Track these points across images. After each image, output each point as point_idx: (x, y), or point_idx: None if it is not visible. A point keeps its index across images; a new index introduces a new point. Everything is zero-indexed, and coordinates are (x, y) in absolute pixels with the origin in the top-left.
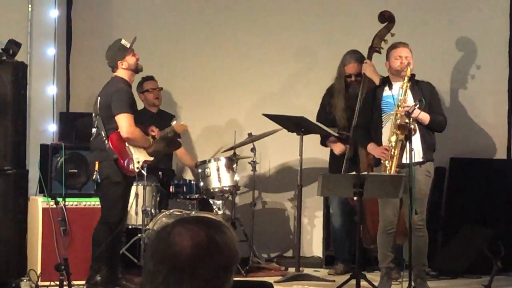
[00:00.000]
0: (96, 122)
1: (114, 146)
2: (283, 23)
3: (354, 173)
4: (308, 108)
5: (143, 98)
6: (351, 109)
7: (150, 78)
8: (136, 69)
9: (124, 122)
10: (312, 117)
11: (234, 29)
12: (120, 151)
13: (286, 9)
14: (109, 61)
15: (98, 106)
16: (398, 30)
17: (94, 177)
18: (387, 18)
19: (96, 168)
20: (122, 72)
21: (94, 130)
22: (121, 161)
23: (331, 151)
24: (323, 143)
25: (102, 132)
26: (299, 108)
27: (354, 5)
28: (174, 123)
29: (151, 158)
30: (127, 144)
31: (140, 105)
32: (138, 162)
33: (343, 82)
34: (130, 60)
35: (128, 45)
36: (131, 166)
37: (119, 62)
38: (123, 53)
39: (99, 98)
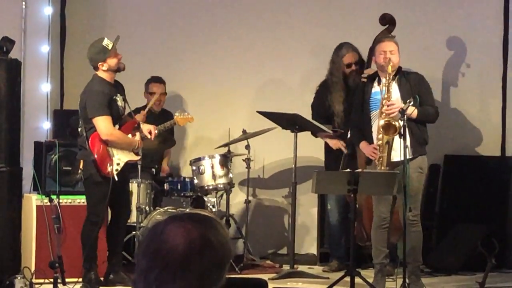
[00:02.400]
0: (80, 122)
1: (92, 146)
2: (296, 20)
3: (348, 170)
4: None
5: (147, 97)
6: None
7: (157, 80)
8: (118, 70)
9: (101, 125)
10: None
11: (240, 25)
12: (98, 152)
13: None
14: (90, 60)
15: (79, 107)
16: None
17: (78, 176)
18: (388, 21)
19: (81, 166)
20: (102, 73)
21: (79, 129)
22: (98, 162)
23: (326, 147)
24: (314, 134)
25: (84, 133)
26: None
27: (357, 5)
28: (177, 115)
29: (137, 157)
30: (108, 146)
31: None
32: (118, 164)
33: (341, 75)
34: (111, 62)
35: (110, 46)
36: (108, 168)
37: (99, 64)
38: (103, 55)
39: (80, 97)
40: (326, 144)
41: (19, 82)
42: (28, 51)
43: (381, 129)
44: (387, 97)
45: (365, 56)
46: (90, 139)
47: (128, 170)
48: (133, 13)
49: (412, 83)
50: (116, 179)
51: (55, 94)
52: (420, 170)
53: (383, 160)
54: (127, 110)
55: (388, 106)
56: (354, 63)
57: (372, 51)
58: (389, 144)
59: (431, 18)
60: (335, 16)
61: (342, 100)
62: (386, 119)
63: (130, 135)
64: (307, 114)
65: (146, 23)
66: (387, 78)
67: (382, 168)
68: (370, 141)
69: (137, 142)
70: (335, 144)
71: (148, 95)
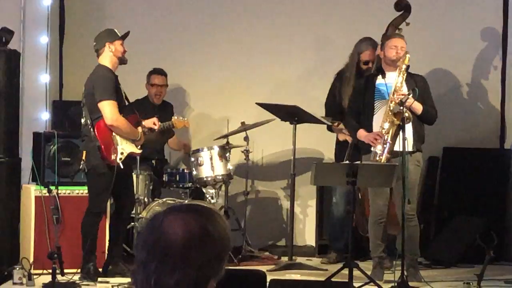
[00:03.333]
0: (83, 112)
1: (99, 133)
2: (299, 13)
3: (347, 162)
4: (318, 99)
5: (148, 88)
6: None
7: (158, 72)
8: (122, 59)
9: (108, 110)
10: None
11: (242, 17)
12: (104, 139)
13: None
14: (97, 43)
15: (83, 95)
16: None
17: (81, 167)
18: (403, 7)
19: (83, 157)
20: (106, 59)
21: (83, 120)
22: (103, 149)
23: (337, 139)
24: (329, 128)
25: (88, 121)
26: (313, 99)
27: None
28: (175, 117)
29: (139, 151)
30: (113, 134)
31: (144, 93)
32: (122, 153)
33: (354, 70)
34: (118, 46)
35: (119, 34)
36: (113, 156)
37: (108, 43)
38: (114, 36)
39: (84, 87)
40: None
41: (18, 73)
42: (27, 42)
43: (393, 116)
44: (401, 86)
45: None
46: (95, 127)
47: (131, 163)
48: (133, 5)
49: (417, 84)
50: (122, 166)
51: (54, 85)
52: (418, 163)
53: (388, 146)
54: (126, 103)
55: (399, 95)
56: (372, 61)
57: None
58: (397, 130)
59: (431, 9)
60: (339, 9)
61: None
62: (399, 108)
63: None
64: (307, 107)
65: (145, 15)
66: (403, 69)
67: (385, 155)
68: (369, 130)
69: (140, 133)
70: (342, 136)
71: (150, 86)
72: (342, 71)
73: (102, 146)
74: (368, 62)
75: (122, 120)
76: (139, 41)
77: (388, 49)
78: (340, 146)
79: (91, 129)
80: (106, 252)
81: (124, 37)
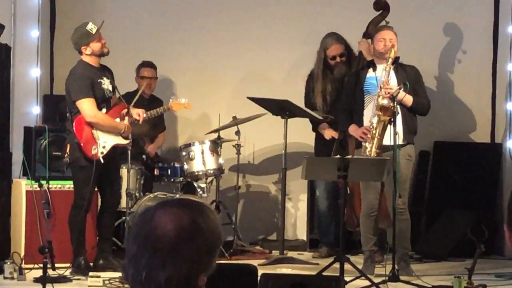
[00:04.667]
0: (67, 107)
1: (76, 130)
2: (287, 8)
3: (338, 156)
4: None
5: (138, 81)
6: (338, 91)
7: (148, 65)
8: (101, 54)
9: (85, 107)
10: None
11: (231, 11)
12: (82, 135)
13: None
14: (74, 46)
15: (65, 91)
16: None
17: (64, 160)
18: (382, 6)
19: (67, 150)
20: (86, 57)
21: (68, 114)
22: (82, 145)
23: (317, 135)
24: (314, 129)
25: (69, 116)
26: (301, 93)
27: None
28: (172, 99)
29: (126, 141)
30: (93, 129)
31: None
32: (104, 147)
33: (322, 66)
34: (94, 46)
35: (93, 31)
36: (93, 151)
37: (83, 48)
38: (87, 39)
39: (65, 83)
40: (317, 132)
41: (9, 67)
42: (17, 36)
43: (378, 110)
44: (386, 80)
45: (355, 43)
46: (74, 122)
47: (119, 155)
48: None
49: (408, 74)
50: (102, 161)
51: (44, 79)
52: (409, 157)
53: (376, 141)
54: (117, 95)
55: (385, 89)
56: (339, 55)
57: (366, 36)
58: (384, 125)
59: (424, 5)
60: (326, 4)
61: (321, 92)
62: (385, 101)
63: (118, 119)
64: (297, 101)
65: (136, 9)
66: (388, 62)
67: (373, 150)
68: (360, 125)
69: (124, 125)
70: (329, 135)
71: (139, 79)
72: (312, 70)
73: (82, 143)
74: (335, 57)
75: (101, 115)
76: (130, 35)
77: (376, 42)
78: (320, 142)
79: (72, 124)
80: (96, 247)
81: (97, 33)
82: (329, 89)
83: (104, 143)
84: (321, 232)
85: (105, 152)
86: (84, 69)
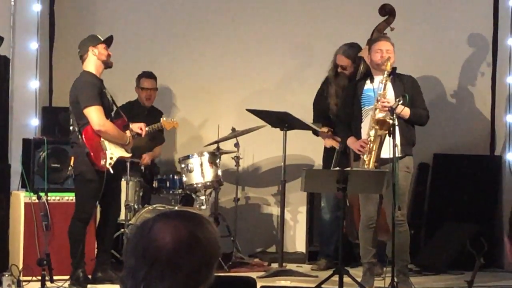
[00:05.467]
0: (71, 119)
1: (87, 139)
2: (279, 19)
3: (337, 168)
4: (304, 104)
5: (138, 92)
6: (339, 98)
7: (148, 76)
8: (106, 62)
9: (94, 115)
10: (309, 113)
11: (228, 24)
12: (92, 145)
13: (283, 3)
14: (80, 49)
15: (70, 103)
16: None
17: (69, 173)
18: (387, 12)
19: (72, 163)
20: (91, 64)
21: (71, 127)
22: (92, 155)
23: (325, 146)
24: (315, 133)
25: (76, 128)
26: (295, 104)
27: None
28: (163, 119)
29: (129, 155)
30: (102, 139)
31: (133, 96)
32: (111, 158)
33: (333, 72)
34: (101, 49)
35: (102, 39)
36: (102, 162)
37: (91, 47)
38: (96, 41)
39: (69, 94)
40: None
41: (8, 79)
42: (17, 48)
43: (375, 123)
44: (383, 93)
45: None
46: (83, 133)
47: (120, 168)
48: (122, 10)
49: (405, 85)
50: (112, 171)
51: (43, 91)
52: (407, 169)
53: (373, 155)
54: (114, 108)
55: (382, 102)
56: (341, 66)
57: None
58: (381, 139)
59: (423, 16)
60: (320, 15)
61: (334, 93)
62: (382, 114)
63: None
64: (296, 112)
65: (135, 20)
66: (384, 75)
67: (371, 164)
68: (358, 137)
69: (128, 137)
70: (329, 142)
71: (139, 90)
72: (326, 77)
73: (91, 153)
74: (344, 67)
75: (109, 124)
76: (129, 46)
77: (373, 53)
78: (328, 152)
79: (79, 136)
80: (95, 259)
81: (107, 41)
82: (339, 92)
83: (111, 154)
84: (322, 243)
85: (112, 163)
86: (91, 77)
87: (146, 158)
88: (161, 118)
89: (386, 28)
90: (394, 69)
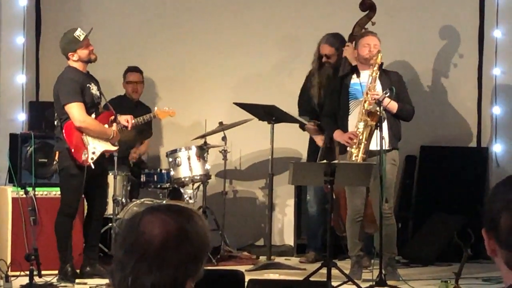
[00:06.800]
0: (55, 114)
1: (67, 135)
2: (265, 11)
3: (325, 161)
4: (292, 96)
5: (125, 87)
6: (322, 88)
7: (134, 70)
8: (89, 61)
9: (74, 112)
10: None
11: (215, 17)
12: (73, 140)
13: None
14: (61, 50)
15: (53, 98)
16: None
17: (53, 167)
18: (368, 7)
19: (56, 158)
20: (73, 63)
21: (56, 121)
22: (73, 151)
23: (310, 140)
24: (302, 127)
25: (58, 123)
26: (283, 97)
27: None
28: (157, 108)
29: (114, 148)
30: (84, 134)
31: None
32: (94, 152)
33: (317, 64)
34: (81, 53)
35: (81, 38)
36: (83, 157)
37: (69, 54)
38: (74, 45)
39: (53, 90)
40: (311, 136)
41: None
42: (3, 43)
43: (366, 115)
44: (372, 86)
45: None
46: (64, 128)
47: (106, 162)
48: (109, 4)
49: (391, 79)
50: (93, 167)
51: (30, 85)
52: (394, 162)
53: (362, 147)
54: (103, 102)
55: (372, 94)
56: (325, 55)
57: (352, 38)
58: (371, 131)
59: (410, 9)
60: (307, 6)
61: (318, 84)
62: (371, 107)
63: (106, 125)
64: (284, 104)
65: (121, 14)
66: (375, 68)
67: (360, 155)
68: (345, 130)
69: (113, 131)
70: (321, 141)
71: (126, 84)
72: (310, 71)
73: (72, 148)
74: (328, 56)
75: (91, 120)
76: (115, 40)
77: (361, 48)
78: (313, 147)
79: (61, 131)
80: (83, 253)
81: (85, 40)
82: (323, 83)
83: (94, 149)
84: (309, 236)
85: (95, 158)
86: (73, 74)
87: (133, 154)
88: (155, 108)
89: (367, 23)
90: (381, 64)
